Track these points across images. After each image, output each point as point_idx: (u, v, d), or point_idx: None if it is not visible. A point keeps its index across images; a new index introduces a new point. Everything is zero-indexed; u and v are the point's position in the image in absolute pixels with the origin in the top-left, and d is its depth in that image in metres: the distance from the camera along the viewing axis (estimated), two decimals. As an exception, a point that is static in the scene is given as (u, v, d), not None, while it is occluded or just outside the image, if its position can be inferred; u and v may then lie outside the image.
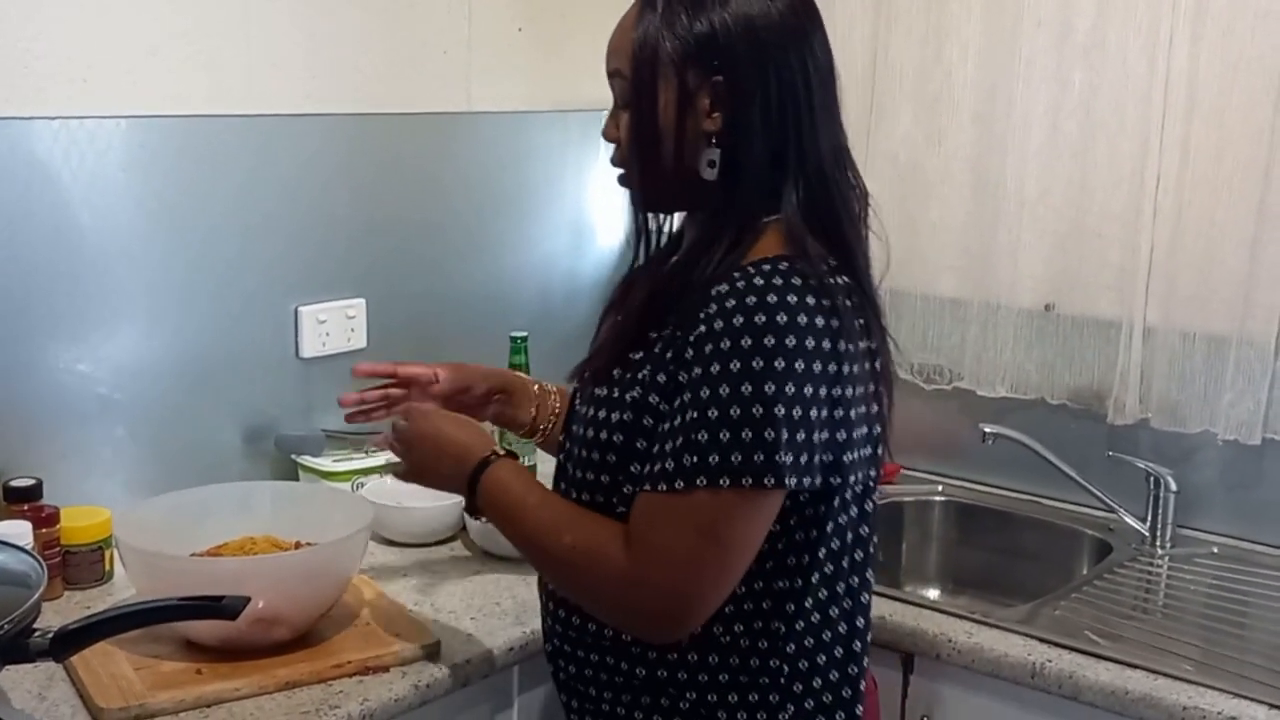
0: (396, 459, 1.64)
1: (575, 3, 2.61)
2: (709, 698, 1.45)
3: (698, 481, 1.32)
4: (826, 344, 1.34)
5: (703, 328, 1.34)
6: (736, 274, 1.36)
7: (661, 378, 1.39)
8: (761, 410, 1.31)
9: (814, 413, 1.33)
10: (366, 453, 2.26)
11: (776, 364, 1.31)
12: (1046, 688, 1.79)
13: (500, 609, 1.88)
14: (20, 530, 1.77)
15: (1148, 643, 1.88)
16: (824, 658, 1.47)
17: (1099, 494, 2.31)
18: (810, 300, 1.34)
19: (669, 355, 1.38)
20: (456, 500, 2.12)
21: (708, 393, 1.32)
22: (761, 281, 1.34)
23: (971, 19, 2.39)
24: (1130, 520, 2.29)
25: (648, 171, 1.45)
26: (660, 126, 1.42)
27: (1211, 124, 2.17)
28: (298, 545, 1.80)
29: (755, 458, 1.31)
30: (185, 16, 2.05)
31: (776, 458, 1.31)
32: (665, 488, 1.34)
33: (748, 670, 1.44)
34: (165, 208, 2.06)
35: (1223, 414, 2.23)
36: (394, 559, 2.06)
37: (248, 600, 1.47)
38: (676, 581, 1.35)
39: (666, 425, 1.37)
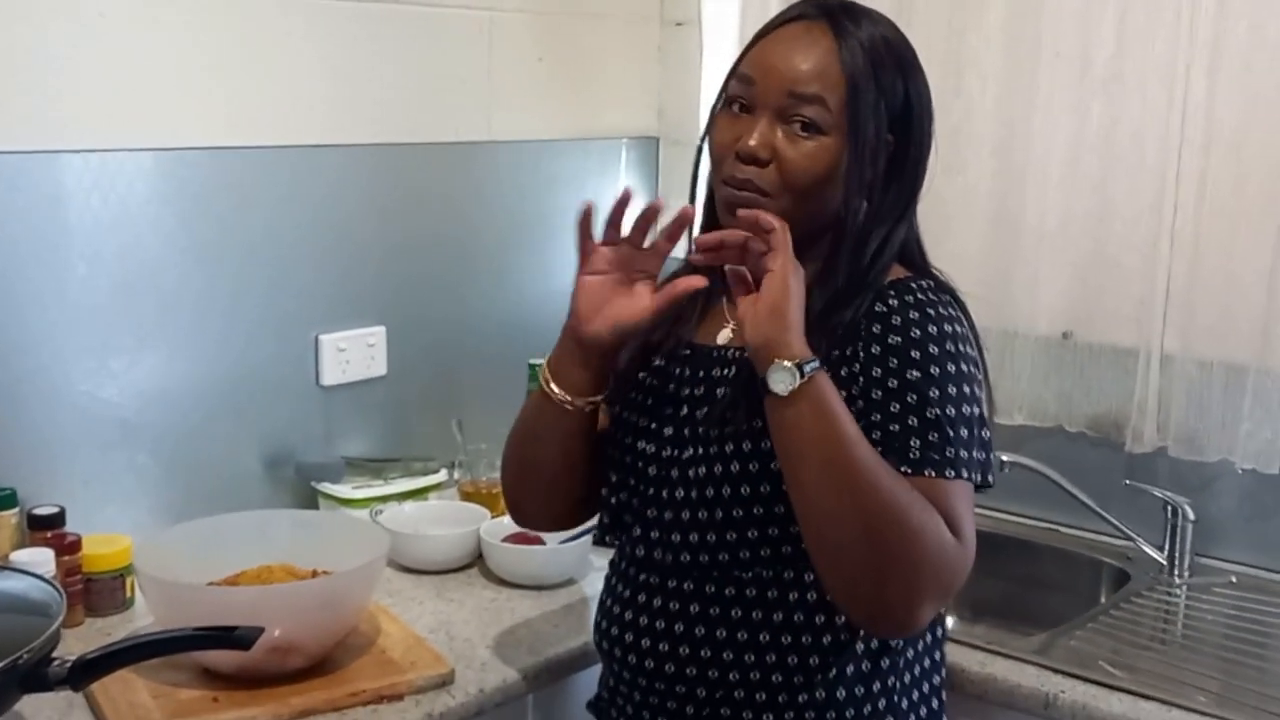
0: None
1: (595, 33, 2.62)
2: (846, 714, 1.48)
3: (946, 473, 1.38)
4: (977, 354, 1.48)
5: (896, 338, 1.41)
6: (892, 291, 1.46)
7: (842, 393, 1.38)
8: (976, 410, 1.42)
9: (984, 412, 1.46)
10: (385, 480, 2.29)
11: (975, 369, 1.44)
12: (1060, 719, 1.79)
13: (515, 638, 1.89)
14: (43, 558, 1.80)
15: (1164, 674, 1.87)
16: (920, 646, 1.56)
17: (1116, 523, 2.30)
18: (960, 313, 1.48)
19: (843, 374, 1.42)
20: (473, 528, 2.14)
21: (937, 393, 1.39)
22: (924, 297, 1.46)
23: (991, 50, 2.39)
24: (1148, 549, 2.28)
25: (814, 202, 1.46)
26: (864, 169, 1.45)
27: (1230, 156, 2.17)
28: (315, 573, 1.81)
29: (977, 454, 1.41)
30: (209, 51, 2.08)
31: (991, 456, 1.44)
32: (932, 473, 1.38)
33: (882, 673, 1.51)
34: (189, 238, 2.09)
35: (1241, 443, 2.22)
36: (411, 586, 2.07)
37: (261, 631, 1.49)
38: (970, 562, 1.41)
39: (897, 425, 1.39)
